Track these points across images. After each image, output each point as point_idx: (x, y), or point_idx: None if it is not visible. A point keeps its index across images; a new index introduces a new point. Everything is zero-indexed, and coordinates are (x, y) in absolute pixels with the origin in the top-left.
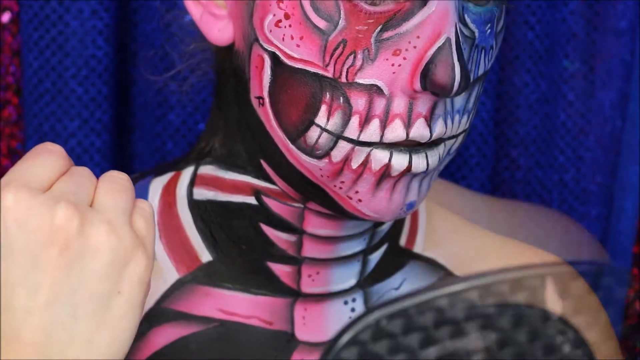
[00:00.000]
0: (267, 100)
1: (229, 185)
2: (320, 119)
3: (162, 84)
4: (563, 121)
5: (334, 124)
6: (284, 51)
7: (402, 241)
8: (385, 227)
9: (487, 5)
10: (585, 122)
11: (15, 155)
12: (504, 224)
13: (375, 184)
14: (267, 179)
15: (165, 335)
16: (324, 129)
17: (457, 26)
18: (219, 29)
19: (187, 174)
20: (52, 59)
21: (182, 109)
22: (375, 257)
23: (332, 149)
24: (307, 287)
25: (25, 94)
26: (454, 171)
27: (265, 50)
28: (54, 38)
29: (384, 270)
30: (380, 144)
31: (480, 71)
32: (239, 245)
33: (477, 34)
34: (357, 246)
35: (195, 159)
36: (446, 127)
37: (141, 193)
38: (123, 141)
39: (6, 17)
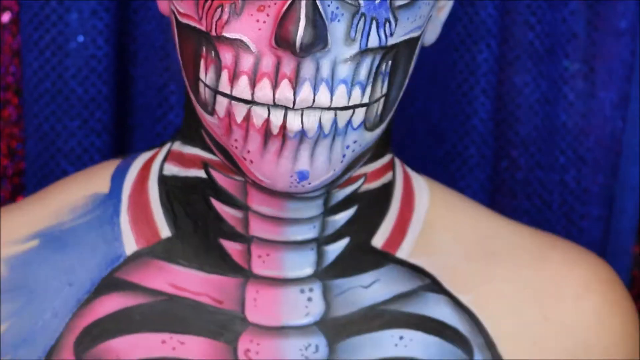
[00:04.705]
0: (180, 62)
1: (187, 159)
2: (202, 73)
3: (162, 84)
4: (564, 122)
5: (210, 78)
6: (176, 7)
7: (378, 242)
8: (340, 219)
9: None
10: (586, 122)
11: (15, 155)
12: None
13: (263, 143)
14: (211, 150)
15: (110, 303)
16: (205, 84)
17: None
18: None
19: (164, 149)
20: (52, 59)
21: (182, 109)
22: (333, 249)
23: (214, 104)
24: (258, 268)
25: (25, 94)
26: (454, 171)
27: (171, 9)
28: (54, 38)
29: (350, 266)
30: (254, 103)
31: (372, 43)
32: (195, 222)
33: (361, 2)
34: (306, 233)
35: (173, 137)
36: (315, 93)
37: (126, 166)
38: (123, 141)
39: (6, 17)
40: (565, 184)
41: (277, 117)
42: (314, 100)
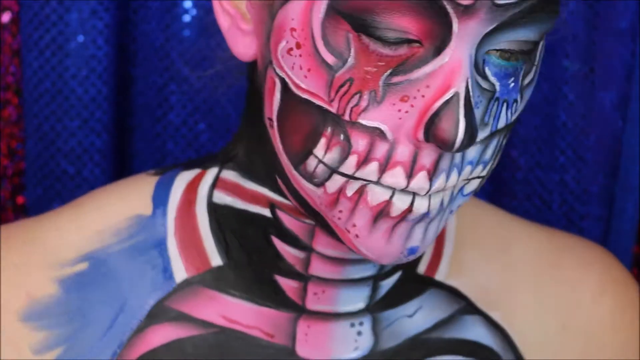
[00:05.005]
0: (275, 123)
1: (247, 194)
2: (319, 150)
3: (162, 84)
4: (564, 121)
5: (331, 158)
6: (293, 79)
7: (422, 268)
8: None
9: (511, 60)
10: (586, 122)
11: (15, 155)
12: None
13: (373, 220)
14: (282, 194)
15: (163, 334)
16: (320, 161)
17: (470, 81)
18: (244, 45)
19: (211, 174)
20: (52, 59)
21: (182, 109)
22: (387, 283)
23: (327, 180)
24: (312, 304)
25: (25, 94)
26: None
27: (277, 74)
28: (54, 38)
29: (398, 296)
30: (378, 184)
31: (501, 124)
32: (249, 255)
33: (498, 87)
34: (367, 271)
35: (220, 161)
36: (447, 180)
37: (166, 185)
38: (123, 141)
39: (6, 17)
40: (565, 184)
41: (403, 202)
42: (445, 187)
